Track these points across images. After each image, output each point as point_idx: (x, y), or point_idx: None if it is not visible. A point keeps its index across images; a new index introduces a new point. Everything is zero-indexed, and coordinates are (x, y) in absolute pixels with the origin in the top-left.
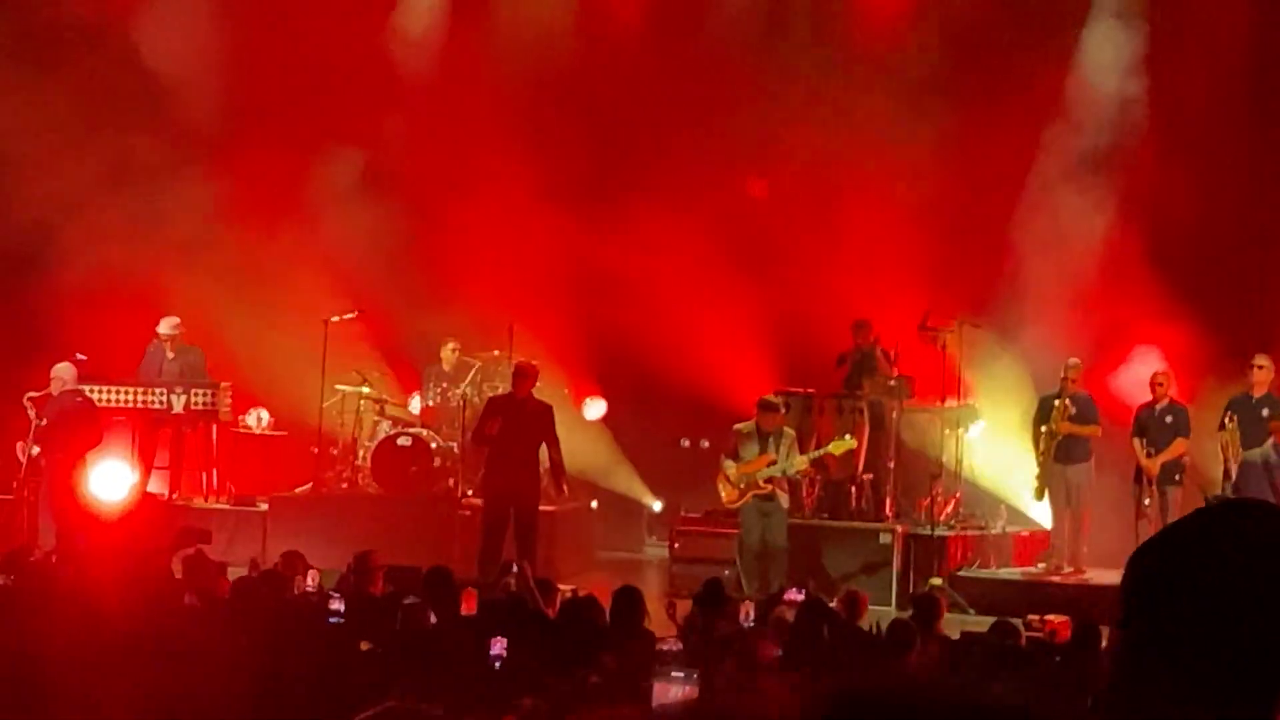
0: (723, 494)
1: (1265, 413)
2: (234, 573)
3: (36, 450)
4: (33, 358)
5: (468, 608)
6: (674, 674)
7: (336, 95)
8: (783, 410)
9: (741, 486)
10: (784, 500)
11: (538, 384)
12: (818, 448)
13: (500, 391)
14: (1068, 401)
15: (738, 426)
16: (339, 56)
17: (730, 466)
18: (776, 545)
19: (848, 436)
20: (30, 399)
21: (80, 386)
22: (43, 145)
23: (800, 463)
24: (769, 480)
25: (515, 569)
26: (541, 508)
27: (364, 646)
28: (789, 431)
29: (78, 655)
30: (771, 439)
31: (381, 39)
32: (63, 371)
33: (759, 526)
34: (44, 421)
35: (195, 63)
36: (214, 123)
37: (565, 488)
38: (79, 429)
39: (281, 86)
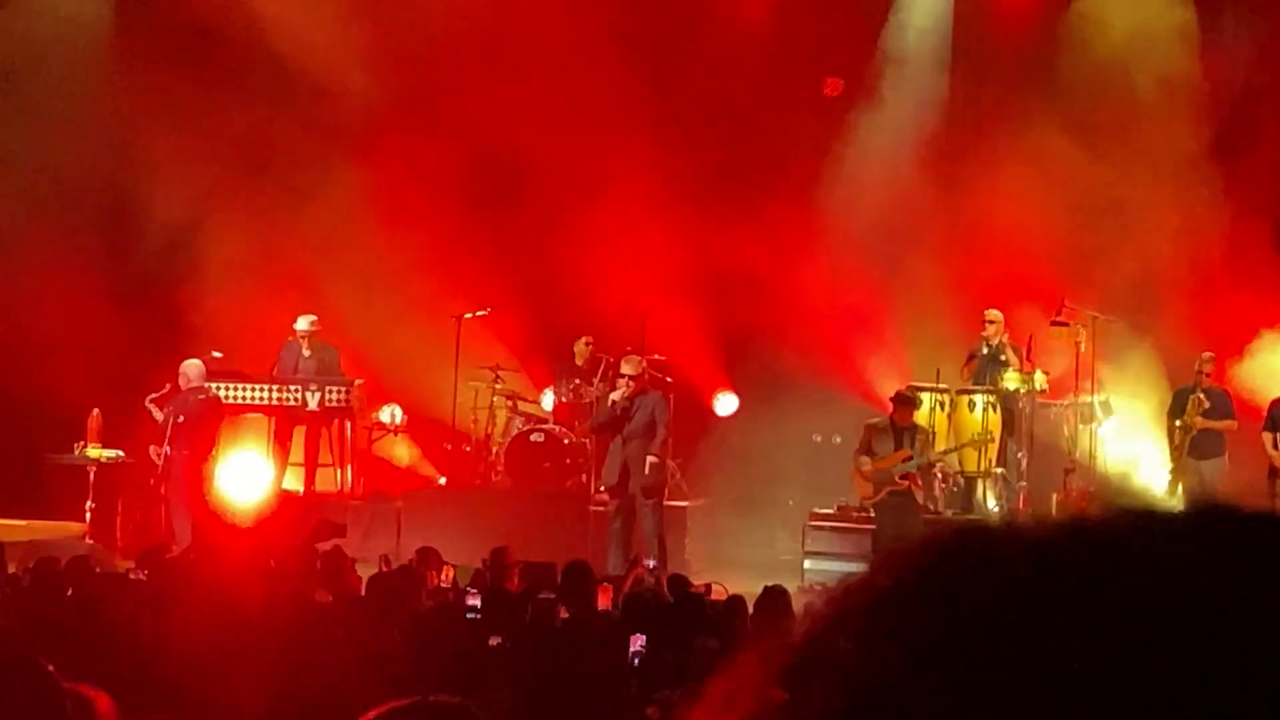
0: (857, 490)
1: None
2: (367, 569)
3: (168, 450)
4: (170, 356)
5: (603, 603)
6: None
7: (470, 91)
8: (918, 404)
9: (877, 482)
10: (920, 496)
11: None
12: (953, 444)
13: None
14: (1202, 395)
15: (872, 421)
16: (475, 52)
17: (865, 462)
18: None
19: (987, 431)
20: (153, 400)
21: (207, 384)
22: (181, 143)
23: (934, 457)
24: (904, 476)
25: (651, 564)
26: (672, 502)
27: (493, 641)
28: (924, 426)
29: (212, 650)
30: (907, 434)
31: (513, 35)
32: (190, 369)
33: (894, 523)
34: (180, 419)
35: (336, 58)
36: (350, 119)
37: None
38: (205, 427)
39: (415, 82)
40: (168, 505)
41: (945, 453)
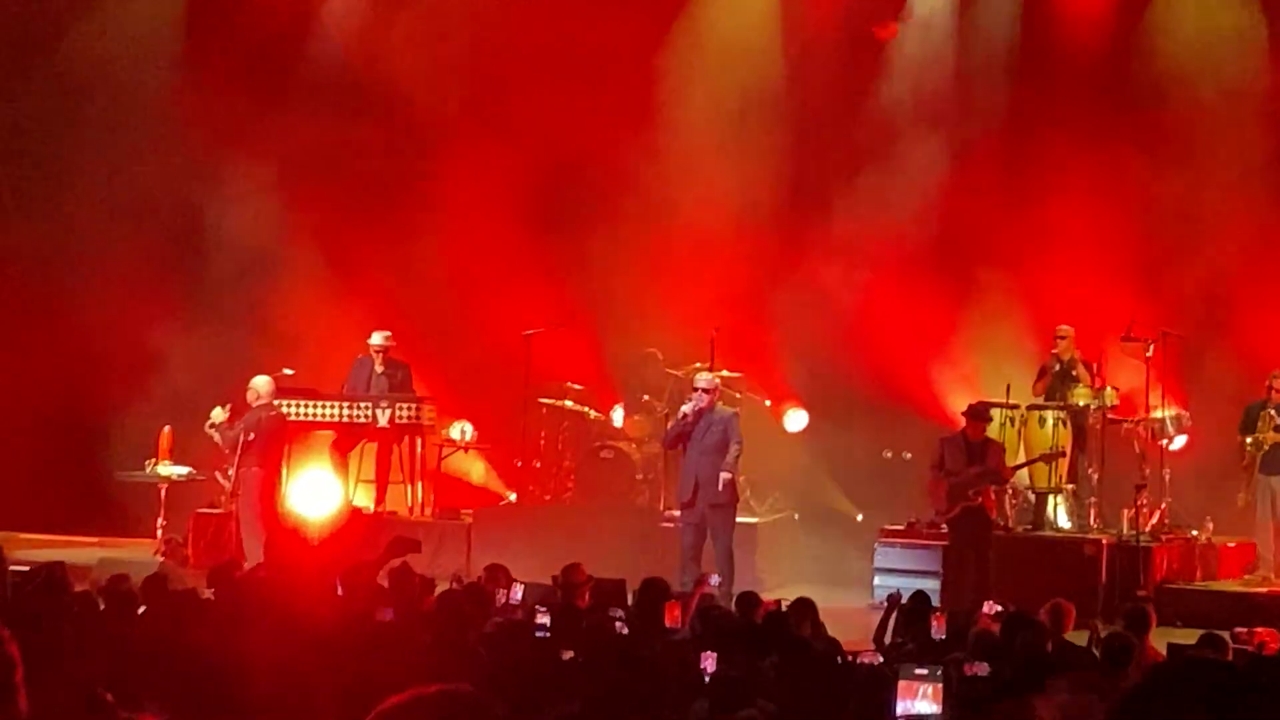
0: (932, 504)
1: None
2: (439, 587)
3: (238, 467)
4: (241, 372)
5: (671, 619)
6: (918, 671)
7: (540, 108)
8: (991, 419)
9: (952, 497)
10: (994, 510)
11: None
12: (1026, 459)
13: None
14: (1273, 411)
15: (945, 436)
16: (546, 68)
17: (937, 479)
18: (984, 565)
19: (1058, 446)
20: (214, 426)
21: (275, 401)
22: (252, 161)
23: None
24: (978, 492)
25: (716, 581)
26: (742, 519)
27: (566, 655)
28: (997, 441)
29: (281, 669)
30: (980, 448)
31: (585, 52)
32: (260, 385)
33: (969, 538)
34: (251, 436)
35: (408, 78)
36: (422, 137)
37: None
38: (273, 444)
39: (486, 100)
40: (238, 523)
41: (1018, 467)
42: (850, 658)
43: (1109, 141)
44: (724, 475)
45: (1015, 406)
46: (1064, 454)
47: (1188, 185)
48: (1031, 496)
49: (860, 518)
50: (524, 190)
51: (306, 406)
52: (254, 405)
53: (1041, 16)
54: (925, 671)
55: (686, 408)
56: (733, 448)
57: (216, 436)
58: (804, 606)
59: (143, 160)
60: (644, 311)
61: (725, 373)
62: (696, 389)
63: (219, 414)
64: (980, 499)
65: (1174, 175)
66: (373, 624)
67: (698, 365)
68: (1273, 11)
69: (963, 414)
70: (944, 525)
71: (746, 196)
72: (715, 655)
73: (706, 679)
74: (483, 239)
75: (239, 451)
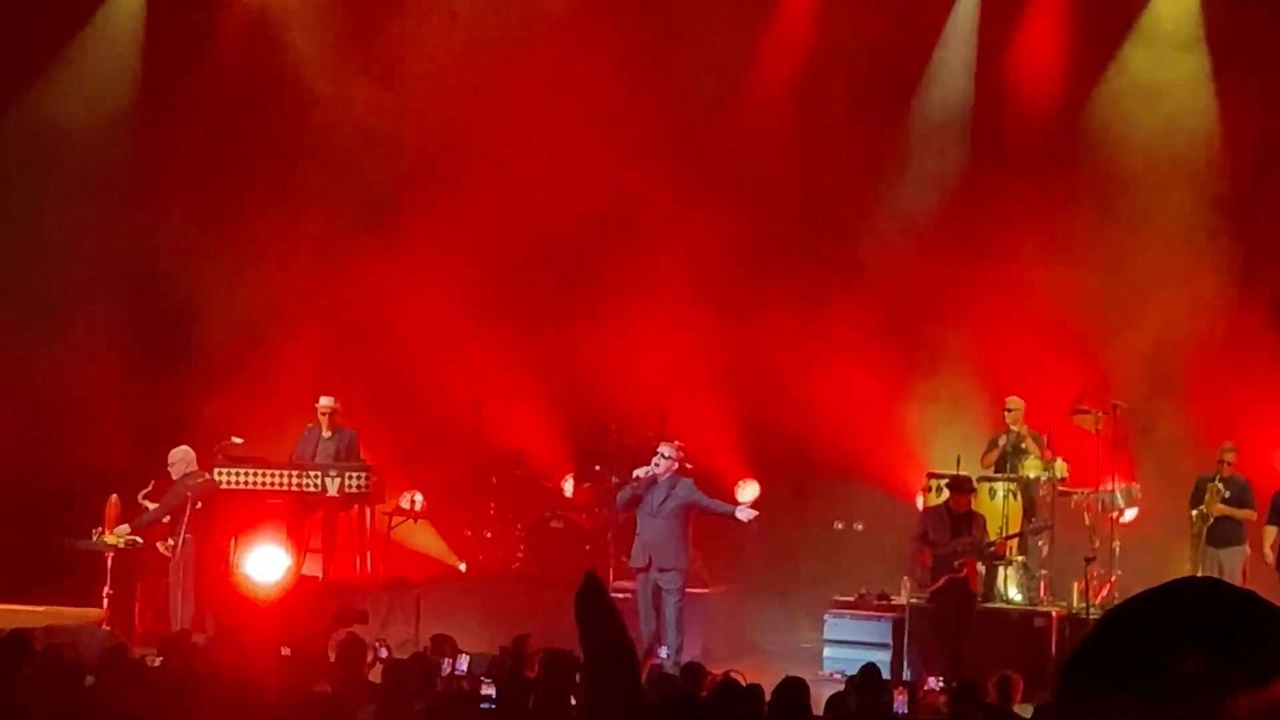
0: (915, 576)
1: None
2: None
3: (188, 536)
4: (189, 441)
5: None
6: None
7: (494, 175)
8: (975, 491)
9: (936, 570)
10: (974, 582)
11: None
12: (1004, 531)
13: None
14: (1220, 484)
15: (929, 507)
16: (498, 134)
17: (921, 550)
18: (962, 638)
19: (1046, 520)
20: (146, 495)
21: (200, 470)
22: (202, 227)
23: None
24: (963, 564)
25: (664, 653)
26: (693, 590)
27: None
28: (979, 514)
29: None
30: (964, 521)
31: (533, 123)
32: (181, 455)
33: (954, 611)
34: (198, 504)
35: (357, 145)
36: (373, 203)
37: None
38: (213, 511)
39: (438, 169)
40: (179, 590)
41: (1008, 538)
42: None
43: (1061, 210)
44: (745, 514)
45: (964, 477)
46: (1051, 527)
47: (1142, 258)
48: (982, 568)
49: (859, 526)
50: (478, 259)
51: (255, 475)
52: (179, 476)
53: (994, 81)
54: None
55: (641, 471)
56: (708, 502)
57: (149, 506)
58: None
59: (95, 223)
60: (596, 381)
61: (678, 443)
62: (659, 454)
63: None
64: (964, 570)
65: (1125, 243)
66: (313, 696)
67: (649, 436)
68: (1221, 72)
69: (946, 486)
70: (927, 596)
71: (699, 267)
72: None
73: None
74: (434, 307)
75: (186, 521)
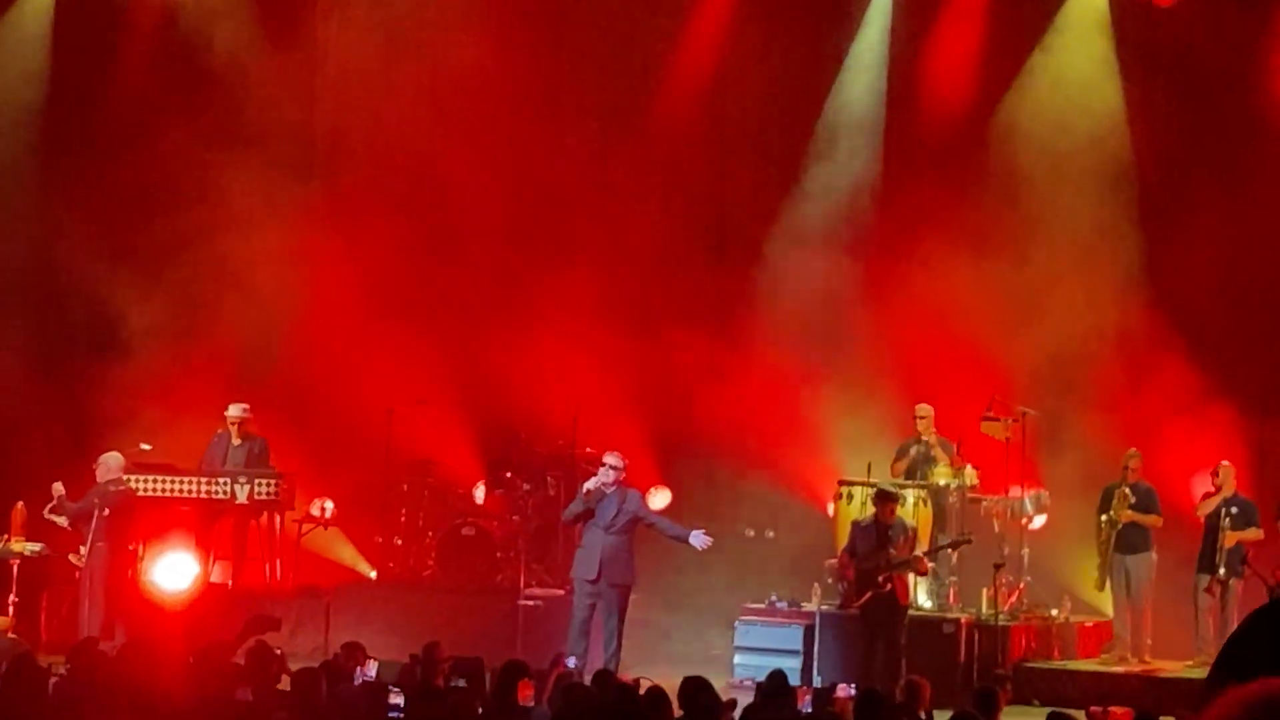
0: (841, 592)
1: None
2: (296, 664)
3: (99, 543)
4: (95, 446)
5: (524, 697)
6: None
7: (407, 180)
8: (902, 500)
9: (860, 584)
10: (902, 596)
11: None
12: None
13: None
14: (1127, 490)
15: (856, 520)
16: (417, 138)
17: (846, 564)
18: (894, 650)
19: (965, 534)
20: (52, 509)
21: (126, 477)
22: (110, 231)
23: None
24: (888, 578)
25: (573, 661)
26: None
27: None
28: (909, 524)
29: None
30: (891, 532)
31: (450, 126)
32: (111, 460)
33: (881, 625)
34: (106, 512)
35: (274, 144)
36: (286, 209)
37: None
38: (125, 519)
39: (351, 172)
40: (88, 598)
41: (930, 552)
42: None
43: (970, 212)
44: (700, 540)
45: (875, 486)
46: (970, 542)
47: (1045, 253)
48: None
49: (770, 534)
50: (387, 264)
51: (164, 482)
52: (103, 480)
53: (904, 88)
54: None
55: (590, 484)
56: (660, 521)
57: (60, 519)
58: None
59: (16, 223)
60: (506, 390)
61: (588, 450)
62: (605, 465)
63: (58, 488)
64: (890, 586)
65: (1033, 243)
66: (230, 704)
67: (561, 444)
68: (1129, 73)
69: (873, 500)
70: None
71: (609, 276)
72: None
73: None
74: (344, 313)
75: (94, 529)
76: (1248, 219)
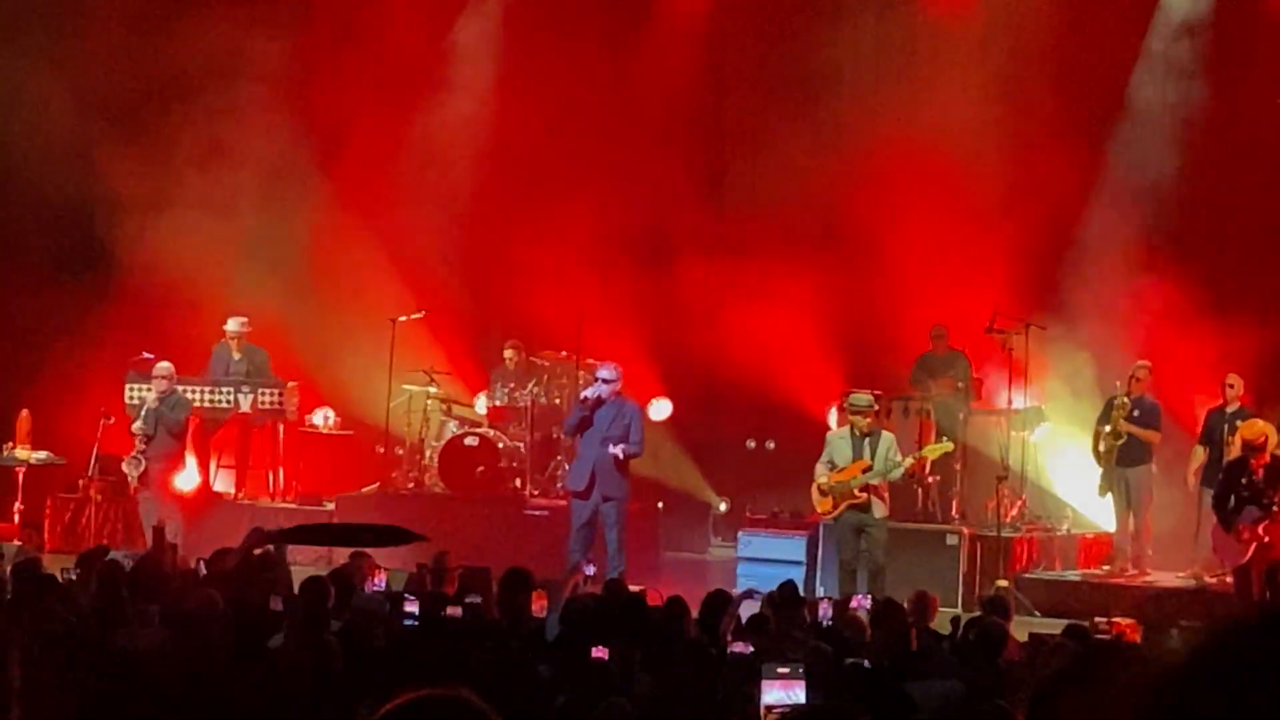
0: (816, 504)
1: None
2: (300, 572)
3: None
4: (99, 356)
5: (537, 609)
6: (779, 669)
7: (412, 94)
8: (877, 410)
9: (835, 496)
10: (880, 510)
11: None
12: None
13: (582, 384)
14: (1127, 400)
15: (832, 431)
16: (413, 63)
17: (822, 474)
18: (875, 563)
19: (944, 439)
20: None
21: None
22: (109, 138)
23: (905, 465)
24: (864, 489)
25: (591, 570)
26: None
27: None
28: (887, 434)
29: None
30: (868, 442)
31: (448, 47)
32: (165, 370)
33: (854, 542)
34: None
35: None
36: (294, 122)
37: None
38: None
39: (354, 88)
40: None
41: (908, 461)
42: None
43: (971, 143)
44: (614, 450)
45: (878, 396)
46: (950, 448)
47: (1053, 183)
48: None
49: (724, 507)
50: (390, 175)
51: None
52: (166, 391)
53: (905, 15)
54: (787, 670)
55: (588, 393)
56: (633, 447)
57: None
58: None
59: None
60: (509, 299)
61: (591, 360)
62: (598, 377)
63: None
64: (866, 496)
65: (1039, 172)
66: (253, 613)
67: (563, 353)
68: None
69: (846, 406)
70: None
71: (610, 188)
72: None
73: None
74: (347, 224)
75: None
76: None
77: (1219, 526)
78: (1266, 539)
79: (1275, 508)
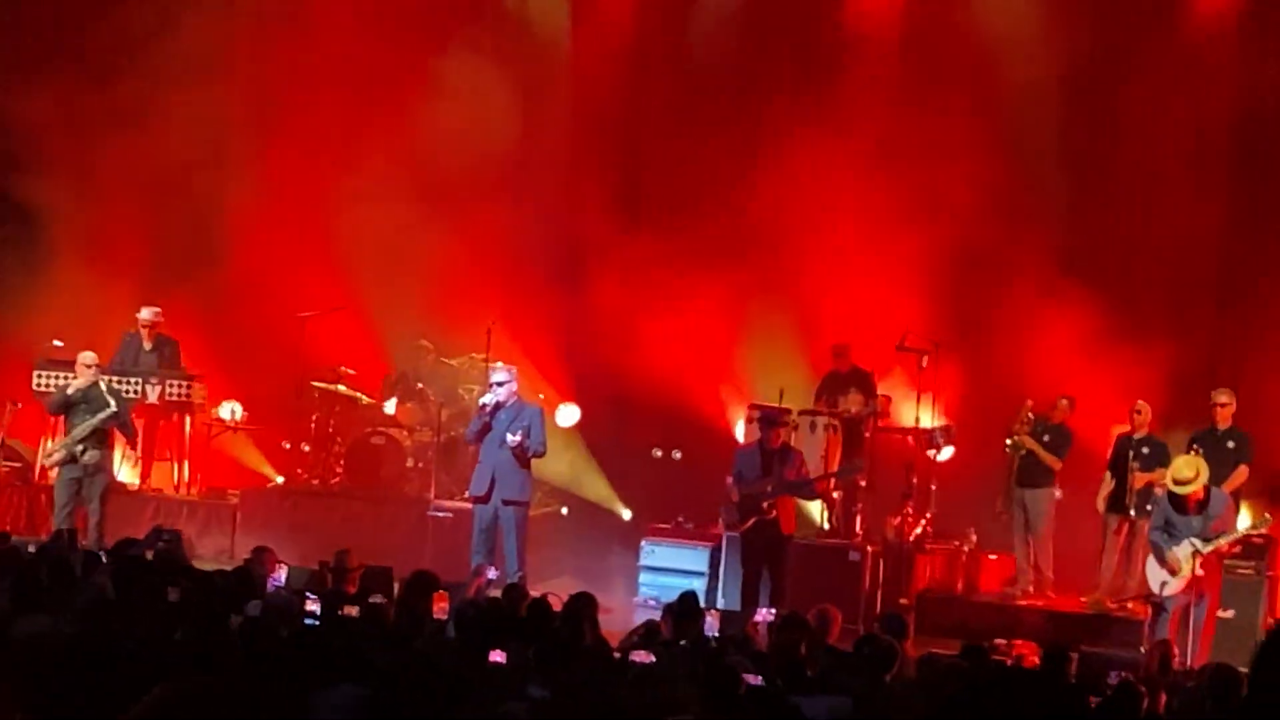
0: (723, 519)
1: (1230, 445)
2: (202, 565)
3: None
4: (7, 344)
5: (439, 611)
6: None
7: (325, 99)
8: (789, 425)
9: (743, 510)
10: (786, 524)
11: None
12: (831, 469)
13: (477, 393)
14: (1031, 417)
15: (741, 445)
16: (341, 59)
17: (733, 489)
18: (777, 578)
19: (855, 463)
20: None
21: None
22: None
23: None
24: (771, 505)
25: (493, 574)
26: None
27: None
28: (797, 450)
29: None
30: (776, 457)
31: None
32: (91, 359)
33: (763, 552)
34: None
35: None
36: (217, 119)
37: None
38: None
39: (276, 82)
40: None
41: (822, 478)
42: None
43: (893, 141)
44: (513, 439)
45: (787, 412)
46: (861, 469)
47: (968, 202)
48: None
49: (628, 516)
50: (305, 172)
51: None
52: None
53: (825, 34)
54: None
55: (487, 399)
56: (535, 445)
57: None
58: (585, 603)
59: None
60: (421, 300)
61: (500, 364)
62: (491, 381)
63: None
64: (774, 512)
65: (952, 190)
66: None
67: (474, 356)
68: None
69: (758, 420)
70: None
71: (527, 191)
72: (504, 653)
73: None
74: (261, 220)
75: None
76: None
77: (1154, 558)
78: (1201, 573)
79: (1209, 541)
